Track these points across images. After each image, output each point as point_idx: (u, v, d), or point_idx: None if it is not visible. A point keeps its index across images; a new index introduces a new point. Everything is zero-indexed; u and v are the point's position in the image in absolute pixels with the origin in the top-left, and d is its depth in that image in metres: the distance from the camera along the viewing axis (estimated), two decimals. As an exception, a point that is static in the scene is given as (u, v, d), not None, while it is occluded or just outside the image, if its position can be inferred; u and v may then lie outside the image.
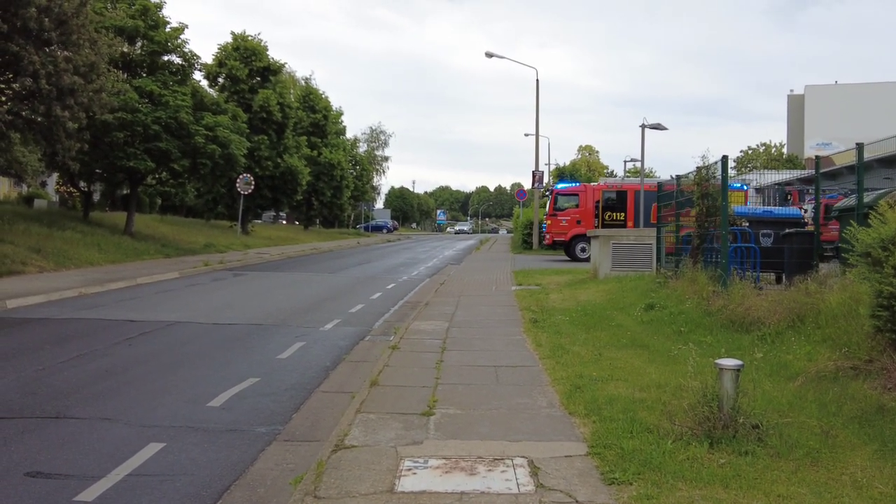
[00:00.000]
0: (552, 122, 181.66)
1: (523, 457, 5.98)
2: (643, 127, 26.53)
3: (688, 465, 5.59)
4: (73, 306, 16.29)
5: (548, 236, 34.58)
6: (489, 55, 44.30)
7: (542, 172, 53.26)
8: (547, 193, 37.51)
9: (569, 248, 34.00)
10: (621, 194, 34.24)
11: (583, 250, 32.91)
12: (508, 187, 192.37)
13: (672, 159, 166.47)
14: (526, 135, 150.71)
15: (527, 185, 59.30)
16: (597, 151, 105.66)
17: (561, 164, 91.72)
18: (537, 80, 45.19)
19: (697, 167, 14.78)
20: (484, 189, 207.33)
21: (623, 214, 33.67)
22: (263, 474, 6.19)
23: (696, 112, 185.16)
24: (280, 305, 17.37)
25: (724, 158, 13.39)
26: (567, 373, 8.96)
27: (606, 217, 33.62)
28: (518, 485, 5.38)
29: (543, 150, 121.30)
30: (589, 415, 7.07)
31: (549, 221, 34.41)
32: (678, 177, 17.02)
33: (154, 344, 12.16)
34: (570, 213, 33.90)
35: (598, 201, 33.76)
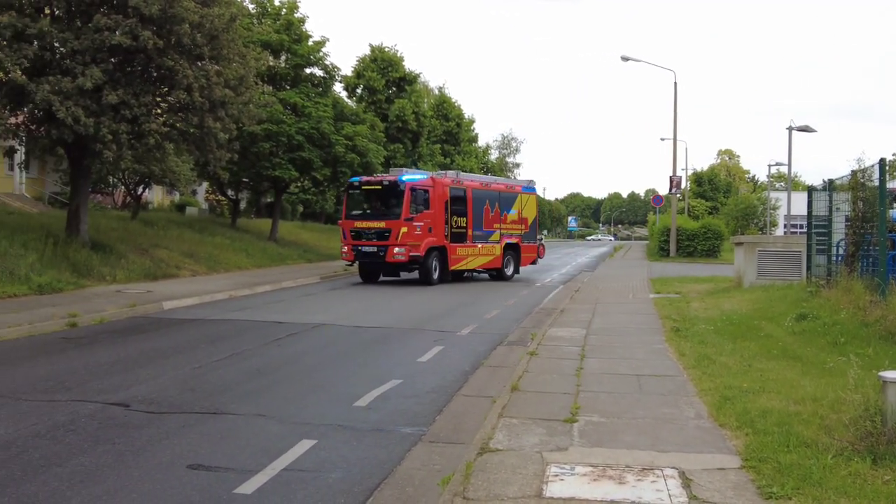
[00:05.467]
0: (689, 126, 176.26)
1: (674, 468, 5.83)
2: (790, 129, 25.43)
3: (850, 482, 5.34)
4: (224, 308, 17.13)
5: (402, 250, 23.53)
6: (625, 59, 43.42)
7: (680, 177, 51.92)
8: (352, 186, 26.72)
9: (424, 265, 24.17)
10: (464, 193, 25.99)
11: (434, 269, 24.57)
12: (642, 193, 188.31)
13: (821, 163, 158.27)
14: (662, 139, 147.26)
15: (662, 190, 57.84)
16: (737, 156, 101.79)
17: (699, 169, 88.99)
18: (675, 83, 44.03)
19: (852, 171, 14.04)
20: (616, 195, 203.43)
21: (465, 219, 25.68)
22: (411, 474, 6.30)
23: (846, 115, 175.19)
24: (417, 310, 17.68)
25: (882, 161, 12.67)
26: (714, 383, 8.68)
27: (453, 222, 25.25)
28: (670, 496, 5.25)
29: (680, 155, 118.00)
30: (741, 427, 6.82)
31: (404, 229, 23.51)
32: (830, 181, 16.21)
33: (301, 345, 12.63)
34: (424, 218, 24.16)
35: (446, 201, 24.99)
